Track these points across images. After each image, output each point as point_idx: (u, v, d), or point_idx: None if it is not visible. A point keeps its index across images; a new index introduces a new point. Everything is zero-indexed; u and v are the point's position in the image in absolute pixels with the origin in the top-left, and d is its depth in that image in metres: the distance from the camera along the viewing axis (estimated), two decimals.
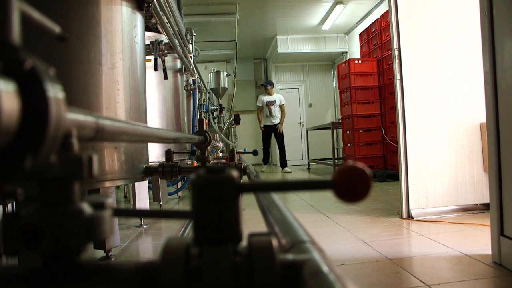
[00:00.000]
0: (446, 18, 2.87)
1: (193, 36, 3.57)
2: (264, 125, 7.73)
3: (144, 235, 2.65)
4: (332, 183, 0.33)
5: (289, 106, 9.13)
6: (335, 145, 6.97)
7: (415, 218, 2.71)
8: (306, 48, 8.78)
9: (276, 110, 7.62)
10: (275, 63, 9.84)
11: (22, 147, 0.28)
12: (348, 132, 5.92)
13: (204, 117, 4.61)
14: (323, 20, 7.70)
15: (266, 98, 7.62)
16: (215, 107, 6.82)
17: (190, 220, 0.35)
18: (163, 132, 1.27)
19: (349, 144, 5.90)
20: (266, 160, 8.17)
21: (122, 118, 1.43)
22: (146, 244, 2.46)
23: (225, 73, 7.07)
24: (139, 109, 1.59)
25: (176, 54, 2.73)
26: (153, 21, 2.39)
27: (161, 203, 2.97)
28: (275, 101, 7.62)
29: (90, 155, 0.34)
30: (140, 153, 1.61)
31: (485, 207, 2.75)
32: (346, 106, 5.94)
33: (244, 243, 0.34)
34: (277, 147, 9.14)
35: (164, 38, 2.58)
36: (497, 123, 1.75)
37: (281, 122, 7.69)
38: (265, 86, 7.76)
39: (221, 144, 4.33)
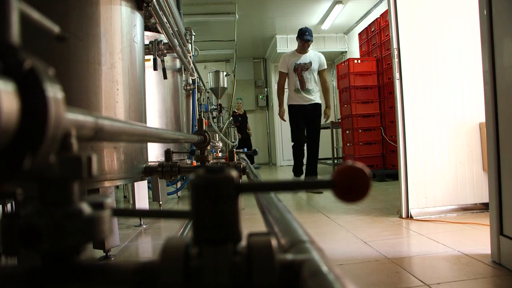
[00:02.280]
0: (446, 18, 2.88)
1: (193, 36, 3.57)
2: (290, 105, 4.53)
3: (143, 235, 2.65)
4: (332, 183, 0.33)
5: None
6: (335, 145, 6.97)
7: (414, 218, 2.72)
8: None
9: (312, 79, 4.43)
10: (275, 63, 9.82)
11: (22, 147, 0.28)
12: (347, 131, 5.92)
13: (204, 117, 4.61)
14: (323, 20, 7.70)
15: (295, 59, 4.45)
16: (215, 107, 6.81)
17: (189, 220, 0.35)
18: (163, 132, 1.27)
19: (348, 144, 5.90)
20: (299, 168, 4.65)
21: (121, 118, 1.43)
22: (145, 244, 2.46)
23: (225, 73, 7.06)
24: (138, 109, 1.59)
25: (175, 54, 2.73)
26: (153, 20, 2.39)
27: (161, 202, 2.97)
28: (310, 63, 4.40)
29: (89, 155, 0.34)
30: (139, 153, 1.61)
31: (484, 207, 2.75)
32: (345, 105, 5.94)
33: (243, 243, 0.34)
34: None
35: (163, 37, 2.58)
36: (496, 123, 1.75)
37: (328, 104, 4.57)
38: (307, 38, 4.43)
39: (220, 144, 4.33)
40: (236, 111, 9.36)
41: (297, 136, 4.53)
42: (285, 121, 4.72)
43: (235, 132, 8.15)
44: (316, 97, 4.49)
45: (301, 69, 4.43)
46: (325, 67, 4.61)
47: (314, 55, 4.56)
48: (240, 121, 9.23)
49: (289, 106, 4.59)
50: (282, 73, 4.64)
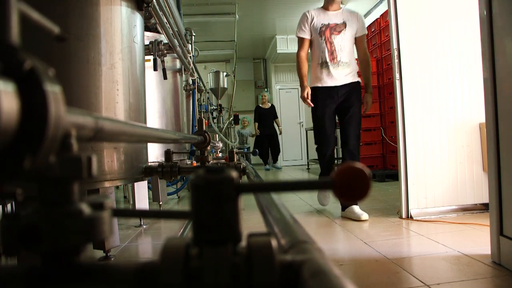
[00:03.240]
0: (446, 18, 2.88)
1: (193, 36, 3.57)
2: (313, 89, 2.99)
3: (143, 235, 2.65)
4: (332, 183, 0.33)
5: (289, 106, 9.11)
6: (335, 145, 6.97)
7: (414, 218, 2.71)
8: None
9: (347, 48, 2.95)
10: (275, 63, 9.84)
11: (22, 148, 0.28)
12: None
13: (204, 117, 4.61)
14: None
15: (321, 18, 2.98)
16: (215, 107, 6.82)
17: (189, 220, 0.35)
18: (163, 132, 1.27)
19: None
20: (328, 168, 3.12)
21: (121, 118, 1.43)
22: (145, 244, 2.46)
23: (225, 73, 7.06)
24: (138, 109, 1.59)
25: (175, 54, 2.73)
26: (153, 21, 2.39)
27: (161, 203, 2.97)
28: (344, 24, 2.95)
29: (89, 156, 0.34)
30: (139, 153, 1.61)
31: (484, 207, 2.75)
32: None
33: (243, 243, 0.34)
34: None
35: (163, 38, 2.58)
36: (496, 123, 1.75)
37: (368, 88, 3.05)
38: None
39: (221, 144, 4.33)
40: (261, 105, 8.59)
41: (323, 142, 2.95)
42: (311, 106, 2.98)
43: (235, 132, 8.09)
44: (354, 74, 2.93)
45: (330, 33, 2.87)
46: (365, 32, 3.04)
47: (350, 14, 2.98)
48: (264, 115, 8.46)
49: (315, 89, 2.95)
50: (302, 39, 2.99)
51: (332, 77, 2.90)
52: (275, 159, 8.81)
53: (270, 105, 8.64)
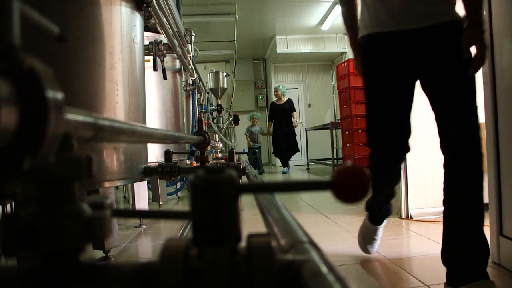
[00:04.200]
0: None
1: (192, 36, 3.57)
2: (367, 38, 1.56)
3: (143, 236, 2.65)
4: (331, 184, 0.33)
5: None
6: (334, 145, 6.97)
7: (414, 218, 2.72)
8: (305, 48, 8.79)
9: None
10: (274, 63, 9.85)
11: (21, 148, 0.28)
12: (347, 132, 5.93)
13: (204, 118, 4.61)
14: (322, 20, 7.71)
15: None
16: (214, 107, 6.82)
17: (189, 221, 0.35)
18: (162, 132, 1.27)
19: (348, 144, 5.91)
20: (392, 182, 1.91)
21: (121, 119, 1.43)
22: (145, 245, 2.46)
23: (224, 73, 7.06)
24: (138, 110, 1.59)
25: (175, 55, 2.73)
26: (152, 21, 2.39)
27: (160, 203, 2.97)
28: None
29: (89, 156, 0.34)
30: (139, 153, 1.61)
31: (484, 207, 2.75)
32: (345, 106, 5.95)
33: (243, 243, 0.34)
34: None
35: (163, 38, 2.58)
36: (496, 123, 1.75)
37: (475, 17, 1.36)
38: None
39: (220, 145, 4.33)
40: (275, 101, 7.72)
41: (375, 140, 1.71)
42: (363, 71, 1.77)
43: (235, 132, 8.02)
44: (446, 3, 1.47)
45: None
46: None
47: None
48: (278, 112, 7.50)
49: (364, 41, 1.64)
50: None
51: (398, 14, 1.49)
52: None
53: (286, 99, 7.66)
